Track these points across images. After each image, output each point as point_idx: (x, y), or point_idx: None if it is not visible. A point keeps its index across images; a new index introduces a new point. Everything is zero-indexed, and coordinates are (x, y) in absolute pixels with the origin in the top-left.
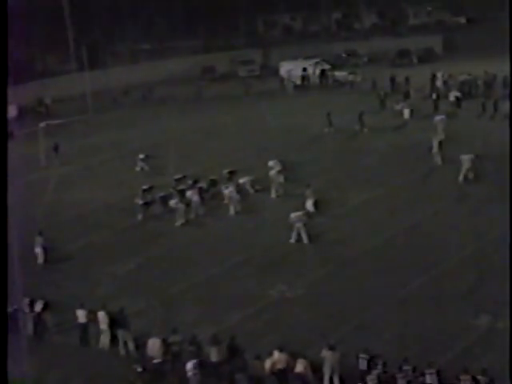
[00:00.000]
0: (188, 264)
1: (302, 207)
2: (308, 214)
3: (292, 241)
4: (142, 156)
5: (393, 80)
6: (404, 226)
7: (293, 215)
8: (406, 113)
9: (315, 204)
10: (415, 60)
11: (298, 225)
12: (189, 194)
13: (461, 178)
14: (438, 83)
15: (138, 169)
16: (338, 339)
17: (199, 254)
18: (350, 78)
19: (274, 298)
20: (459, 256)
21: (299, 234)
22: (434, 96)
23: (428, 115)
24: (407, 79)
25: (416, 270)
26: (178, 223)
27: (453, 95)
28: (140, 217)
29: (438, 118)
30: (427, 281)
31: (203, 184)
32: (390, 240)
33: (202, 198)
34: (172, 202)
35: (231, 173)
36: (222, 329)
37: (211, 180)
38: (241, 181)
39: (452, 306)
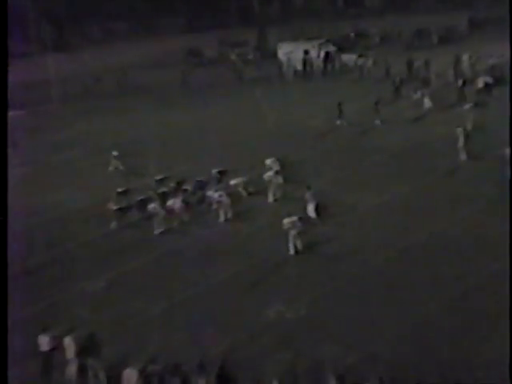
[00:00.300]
0: (170, 280)
1: (304, 213)
2: (304, 220)
3: (291, 252)
4: (115, 153)
5: (410, 64)
6: (423, 236)
7: (286, 221)
8: (427, 102)
9: (317, 209)
10: (436, 41)
11: (293, 232)
12: (170, 202)
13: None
14: (464, 67)
15: (111, 168)
16: (345, 367)
17: (183, 267)
18: (360, 61)
19: (271, 319)
20: (489, 271)
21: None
22: (460, 82)
23: (452, 105)
24: (427, 63)
25: (436, 288)
26: (157, 231)
27: (482, 81)
28: (114, 224)
29: (466, 106)
30: (450, 301)
31: (188, 186)
32: (405, 252)
33: (187, 203)
34: (151, 206)
35: (221, 173)
36: (210, 356)
37: (198, 181)
38: (232, 182)
39: (479, 331)
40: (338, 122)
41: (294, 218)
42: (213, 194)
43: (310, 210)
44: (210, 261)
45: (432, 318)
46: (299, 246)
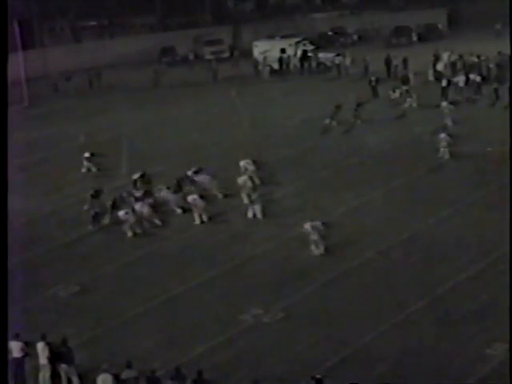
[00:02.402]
0: (144, 284)
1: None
2: (326, 225)
3: (316, 253)
4: (87, 154)
5: (388, 63)
6: (402, 237)
7: (307, 225)
8: (409, 101)
9: (262, 212)
10: (415, 39)
11: (314, 237)
12: (138, 206)
13: None
14: (439, 67)
15: (84, 170)
16: (324, 372)
17: (157, 271)
18: (338, 60)
19: (248, 323)
20: (468, 273)
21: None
22: (444, 82)
23: (433, 104)
24: (405, 62)
25: (417, 289)
26: (130, 234)
27: (462, 80)
28: (91, 227)
29: (444, 104)
30: (431, 302)
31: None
32: (384, 253)
33: (153, 206)
34: (121, 214)
35: (196, 172)
36: (186, 361)
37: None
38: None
39: (460, 332)
40: (333, 123)
41: (317, 223)
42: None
43: (257, 211)
44: (184, 264)
45: (413, 319)
46: (319, 249)
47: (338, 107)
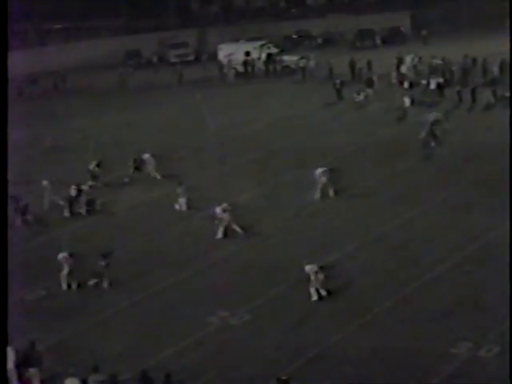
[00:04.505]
0: (111, 287)
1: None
2: (324, 269)
3: (314, 298)
4: None
5: (352, 65)
6: (368, 238)
7: (308, 268)
8: (406, 102)
9: (188, 203)
10: (379, 42)
11: (315, 281)
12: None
13: None
14: (403, 69)
15: None
16: (291, 373)
17: (124, 274)
18: (302, 63)
19: (215, 325)
20: (434, 273)
21: None
22: (406, 85)
23: (395, 107)
24: (369, 64)
25: (383, 289)
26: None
27: (434, 82)
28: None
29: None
30: (397, 302)
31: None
32: (351, 254)
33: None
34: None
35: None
36: (154, 364)
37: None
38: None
39: (425, 332)
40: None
41: (314, 267)
42: None
43: (182, 203)
44: (150, 266)
45: (379, 320)
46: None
47: (437, 121)
